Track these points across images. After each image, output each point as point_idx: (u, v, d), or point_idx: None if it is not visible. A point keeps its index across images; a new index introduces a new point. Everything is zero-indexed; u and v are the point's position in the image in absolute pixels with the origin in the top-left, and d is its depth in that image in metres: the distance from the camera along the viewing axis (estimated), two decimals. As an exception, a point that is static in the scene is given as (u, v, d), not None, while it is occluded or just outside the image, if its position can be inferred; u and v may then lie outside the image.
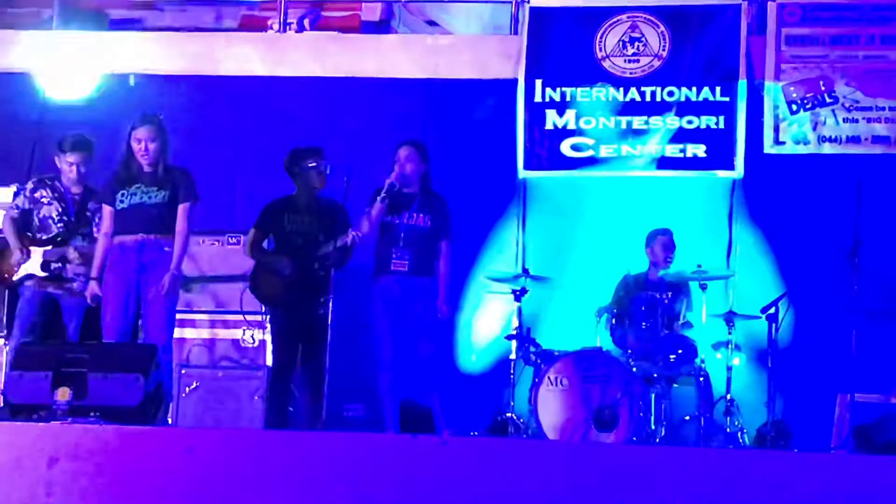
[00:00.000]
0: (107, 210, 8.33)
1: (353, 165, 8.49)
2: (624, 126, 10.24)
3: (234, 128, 10.55)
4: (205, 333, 9.38)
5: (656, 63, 10.28)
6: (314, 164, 8.89)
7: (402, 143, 8.67)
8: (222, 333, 9.39)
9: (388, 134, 9.34)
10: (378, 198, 8.43)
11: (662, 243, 9.63)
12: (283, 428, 8.27)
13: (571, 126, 10.29)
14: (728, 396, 9.11)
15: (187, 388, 9.20)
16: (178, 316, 8.32)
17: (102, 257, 8.25)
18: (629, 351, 9.14)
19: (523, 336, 9.24)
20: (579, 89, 10.30)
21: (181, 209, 8.22)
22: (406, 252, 8.45)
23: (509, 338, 9.30)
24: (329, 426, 8.03)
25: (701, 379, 9.14)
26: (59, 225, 8.85)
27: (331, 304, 8.15)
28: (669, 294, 9.32)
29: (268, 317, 9.05)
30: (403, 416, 8.52)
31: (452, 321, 9.54)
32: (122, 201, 8.25)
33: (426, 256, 8.51)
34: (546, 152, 10.31)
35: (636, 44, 10.32)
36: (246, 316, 9.25)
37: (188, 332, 9.24)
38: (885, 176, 9.73)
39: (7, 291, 9.17)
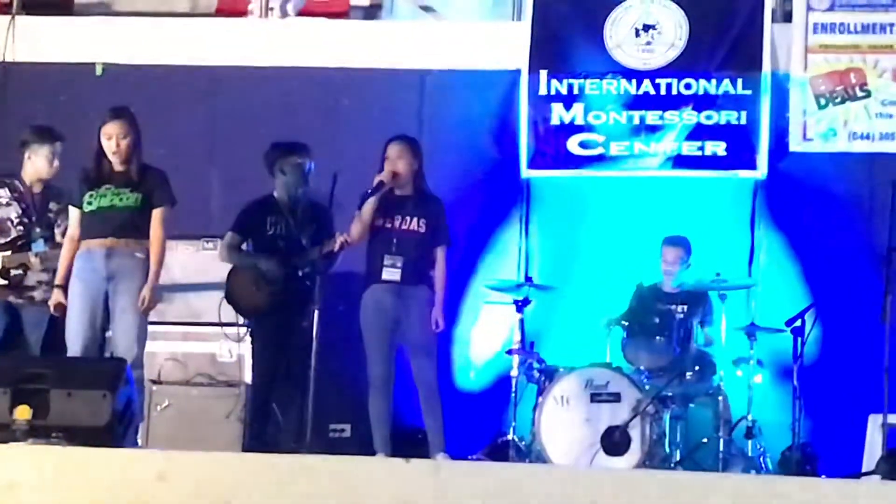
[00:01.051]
0: (73, 212, 8.34)
1: (340, 163, 8.50)
2: (637, 121, 10.27)
3: (211, 122, 10.57)
4: (178, 347, 9.40)
5: (672, 53, 10.31)
6: (297, 162, 8.92)
7: (391, 140, 8.66)
8: (197, 347, 9.40)
9: (379, 129, 9.34)
10: (367, 200, 8.43)
11: (666, 253, 9.64)
12: (262, 450, 8.28)
13: (579, 121, 10.32)
14: (749, 417, 9.14)
15: (159, 407, 9.21)
16: (149, 328, 8.33)
17: (68, 263, 8.27)
18: (642, 367, 9.16)
19: (526, 350, 9.26)
20: (588, 81, 10.33)
21: (156, 214, 8.23)
22: (398, 259, 8.46)
23: (511, 352, 9.32)
24: (313, 448, 8.04)
25: (720, 398, 9.16)
26: (18, 227, 8.87)
27: (316, 315, 8.16)
28: (686, 307, 9.36)
29: (247, 329, 9.08)
30: (394, 438, 8.54)
31: (449, 334, 9.55)
32: (90, 203, 8.25)
33: (420, 264, 8.52)
34: (552, 150, 10.33)
35: (650, 31, 10.35)
36: (223, 328, 9.26)
37: (160, 346, 9.22)
38: (922, 176, 9.78)
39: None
